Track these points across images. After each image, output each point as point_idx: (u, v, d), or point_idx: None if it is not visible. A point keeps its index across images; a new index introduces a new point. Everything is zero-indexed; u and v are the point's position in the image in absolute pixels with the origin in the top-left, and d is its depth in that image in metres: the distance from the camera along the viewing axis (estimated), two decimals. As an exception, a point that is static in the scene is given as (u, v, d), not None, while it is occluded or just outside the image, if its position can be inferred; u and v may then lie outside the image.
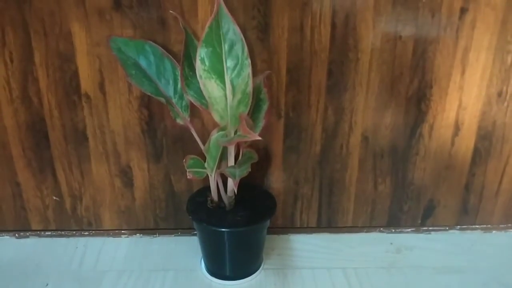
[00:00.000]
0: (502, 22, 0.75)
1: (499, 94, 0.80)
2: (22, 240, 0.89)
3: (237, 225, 0.71)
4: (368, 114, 0.81)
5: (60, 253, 0.85)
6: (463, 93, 0.80)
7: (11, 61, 0.75)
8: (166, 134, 0.81)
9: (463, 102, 0.80)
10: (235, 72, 0.63)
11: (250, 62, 0.63)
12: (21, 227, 0.89)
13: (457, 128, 0.82)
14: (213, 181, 0.72)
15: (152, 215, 0.88)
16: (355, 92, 0.79)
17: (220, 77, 0.64)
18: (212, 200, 0.75)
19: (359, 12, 0.74)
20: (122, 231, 0.89)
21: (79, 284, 0.77)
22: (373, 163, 0.85)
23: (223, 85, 0.64)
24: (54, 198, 0.86)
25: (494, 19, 0.75)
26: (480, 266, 0.83)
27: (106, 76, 0.76)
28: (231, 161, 0.70)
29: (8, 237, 0.89)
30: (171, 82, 0.70)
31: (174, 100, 0.70)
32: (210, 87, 0.64)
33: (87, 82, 0.77)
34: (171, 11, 0.72)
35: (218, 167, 0.72)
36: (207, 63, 0.63)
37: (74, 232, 0.89)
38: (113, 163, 0.83)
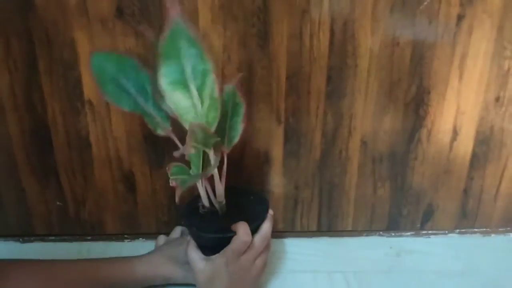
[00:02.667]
0: (499, 28, 0.76)
1: (497, 99, 0.81)
2: (26, 245, 0.90)
3: (227, 231, 0.70)
4: (367, 119, 0.82)
5: (63, 257, 0.86)
6: (461, 99, 0.81)
7: (16, 69, 0.76)
8: (167, 140, 0.81)
9: (460, 107, 0.81)
10: (199, 80, 0.62)
11: (212, 66, 0.62)
12: (25, 231, 0.90)
13: (455, 133, 0.83)
14: (201, 186, 0.72)
15: (154, 219, 0.89)
16: (354, 98, 0.80)
17: (185, 87, 0.62)
18: (203, 206, 0.75)
19: (357, 19, 0.75)
20: (125, 236, 0.91)
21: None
22: (372, 168, 0.86)
23: (189, 94, 0.62)
24: (58, 203, 0.87)
25: (491, 25, 0.76)
26: (479, 270, 0.84)
27: (109, 83, 0.77)
28: (212, 168, 0.70)
29: (13, 241, 0.90)
30: (149, 94, 0.70)
31: (153, 112, 0.69)
32: (176, 98, 0.62)
33: (90, 89, 0.78)
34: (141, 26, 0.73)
35: (204, 171, 0.72)
36: (169, 76, 0.61)
37: (77, 237, 0.90)
38: (116, 169, 0.84)
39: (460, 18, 0.75)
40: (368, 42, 0.76)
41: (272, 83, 0.79)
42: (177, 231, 0.84)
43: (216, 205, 0.75)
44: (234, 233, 0.69)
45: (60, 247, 0.89)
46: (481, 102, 0.81)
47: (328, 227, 0.92)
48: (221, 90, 0.67)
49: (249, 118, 0.75)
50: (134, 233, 0.90)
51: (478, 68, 0.79)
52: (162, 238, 0.82)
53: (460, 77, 0.79)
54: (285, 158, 0.85)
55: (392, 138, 0.84)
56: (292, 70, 0.78)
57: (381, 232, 0.92)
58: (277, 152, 0.84)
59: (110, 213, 0.88)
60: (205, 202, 0.75)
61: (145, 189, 0.86)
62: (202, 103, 0.64)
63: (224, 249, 0.69)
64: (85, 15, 0.73)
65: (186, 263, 0.72)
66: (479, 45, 0.77)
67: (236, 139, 0.73)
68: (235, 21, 0.74)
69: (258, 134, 0.82)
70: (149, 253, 0.78)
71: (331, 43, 0.76)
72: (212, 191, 0.74)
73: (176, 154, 0.60)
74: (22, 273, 0.67)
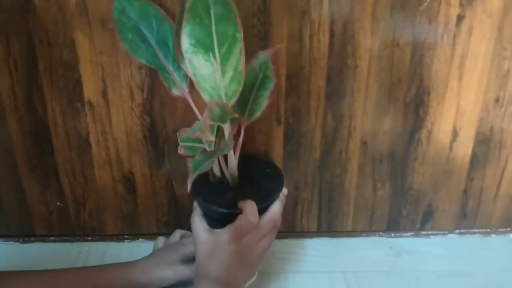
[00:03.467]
0: (499, 29, 0.76)
1: (496, 100, 0.81)
2: (27, 245, 0.90)
3: (234, 207, 0.65)
4: (367, 120, 0.82)
5: (64, 257, 0.86)
6: (461, 99, 0.81)
7: (16, 69, 0.76)
8: (167, 141, 0.82)
9: (460, 108, 0.81)
10: (225, 47, 0.55)
11: (242, 36, 0.56)
12: (25, 232, 0.90)
13: (455, 133, 0.83)
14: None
15: (154, 220, 0.89)
16: (354, 99, 0.80)
17: (208, 52, 0.55)
18: (214, 174, 0.71)
19: (357, 20, 0.75)
20: (125, 236, 0.91)
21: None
22: (372, 168, 0.86)
23: (211, 60, 0.56)
24: (58, 204, 0.87)
25: (491, 26, 0.76)
26: (479, 270, 0.84)
27: (109, 84, 0.77)
28: (228, 148, 0.65)
29: (13, 242, 0.90)
30: (171, 48, 0.64)
31: (172, 69, 0.64)
32: (197, 63, 0.56)
33: (90, 90, 0.78)
34: None
35: (217, 142, 0.67)
36: (193, 36, 0.54)
37: (77, 238, 0.90)
38: (116, 169, 0.84)
39: (460, 18, 0.75)
40: (368, 42, 0.76)
41: (272, 83, 0.78)
42: (176, 235, 0.83)
43: (228, 176, 0.71)
44: (241, 210, 0.66)
45: (60, 247, 0.89)
46: (481, 103, 0.81)
47: (328, 227, 0.92)
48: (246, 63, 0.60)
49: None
50: (134, 234, 0.90)
51: (478, 68, 0.79)
52: (161, 240, 0.82)
53: (460, 78, 0.79)
54: (285, 159, 0.85)
55: (392, 139, 0.84)
56: (292, 70, 0.78)
57: (381, 233, 0.92)
58: (277, 152, 0.84)
59: (110, 214, 0.89)
60: (216, 171, 0.72)
61: (145, 190, 0.86)
62: (224, 73, 0.58)
63: (229, 225, 0.65)
64: (85, 16, 0.73)
65: (180, 263, 0.74)
66: (479, 45, 0.77)
67: (258, 114, 0.69)
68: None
69: (258, 134, 0.82)
70: (144, 258, 0.77)
71: (331, 43, 0.76)
72: (224, 160, 0.71)
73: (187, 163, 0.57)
74: (16, 284, 0.68)
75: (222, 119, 0.60)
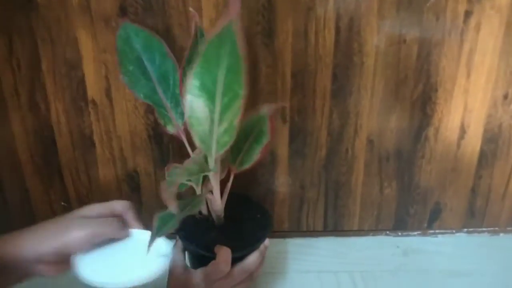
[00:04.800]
0: (507, 25, 0.75)
1: (505, 97, 0.80)
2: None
3: (211, 249, 0.65)
4: (373, 117, 0.81)
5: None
6: (469, 96, 0.80)
7: (19, 68, 0.76)
8: (172, 140, 0.81)
9: (468, 105, 0.80)
10: (227, 99, 0.56)
11: (244, 94, 0.56)
12: (29, 232, 0.90)
13: (463, 131, 0.82)
14: (200, 193, 0.68)
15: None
16: (360, 96, 0.79)
17: (210, 99, 0.56)
18: (200, 212, 0.71)
19: (363, 16, 0.74)
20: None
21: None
22: (378, 167, 0.85)
23: (212, 107, 0.56)
24: (62, 203, 0.87)
25: (499, 22, 0.75)
26: (487, 269, 0.83)
27: (113, 83, 0.77)
28: (213, 185, 0.65)
29: (17, 242, 0.90)
30: (170, 85, 0.65)
31: (170, 106, 0.64)
32: (197, 105, 0.56)
33: (93, 89, 0.77)
34: (190, 9, 0.70)
35: (204, 182, 0.67)
36: (200, 80, 0.55)
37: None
38: (120, 168, 0.84)
39: (467, 14, 0.74)
40: (374, 39, 0.75)
41: (277, 81, 0.78)
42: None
43: (213, 215, 0.71)
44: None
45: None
46: (489, 100, 0.80)
47: (334, 226, 0.91)
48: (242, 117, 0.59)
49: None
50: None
51: (486, 65, 0.77)
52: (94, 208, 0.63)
53: (468, 75, 0.78)
54: (291, 157, 0.84)
55: (399, 137, 0.83)
56: (297, 68, 0.77)
57: (387, 232, 0.91)
58: (282, 151, 0.83)
59: (114, 213, 0.88)
60: (203, 209, 0.72)
61: (150, 189, 0.86)
62: (220, 123, 0.58)
63: (201, 268, 0.65)
64: (88, 14, 0.73)
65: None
66: (487, 42, 0.76)
67: (248, 166, 0.69)
68: (240, 19, 0.73)
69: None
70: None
71: (337, 40, 0.75)
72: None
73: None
74: None
75: (198, 175, 0.62)
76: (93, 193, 0.86)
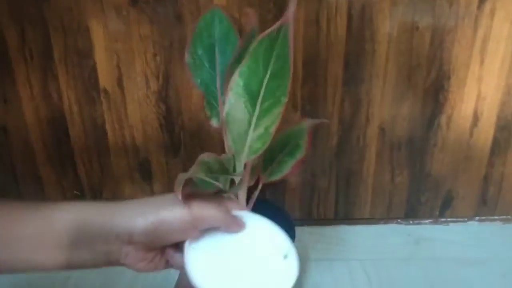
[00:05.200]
0: (522, 11, 0.74)
1: (519, 84, 0.79)
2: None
3: None
4: (385, 105, 0.81)
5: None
6: (482, 84, 0.79)
7: (31, 58, 0.76)
8: (183, 129, 0.81)
9: (482, 92, 0.80)
10: (267, 104, 0.54)
11: (286, 100, 0.54)
12: (43, 220, 0.90)
13: (476, 118, 0.82)
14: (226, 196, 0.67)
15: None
16: (372, 84, 0.79)
17: (251, 100, 0.54)
18: None
19: (375, 3, 0.73)
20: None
21: (102, 276, 0.79)
22: (390, 155, 0.85)
23: (252, 110, 0.54)
24: (75, 192, 0.87)
25: (514, 7, 0.74)
26: (499, 258, 0.83)
27: (124, 72, 0.77)
28: (242, 190, 0.63)
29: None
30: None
31: (223, 100, 0.61)
32: (236, 105, 0.54)
33: (105, 78, 0.78)
34: (247, 9, 0.68)
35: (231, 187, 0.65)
36: (245, 79, 0.53)
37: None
38: (132, 157, 0.84)
39: (482, 0, 0.73)
40: (387, 26, 0.75)
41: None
42: None
43: None
44: None
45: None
46: (503, 87, 0.79)
47: (345, 215, 0.91)
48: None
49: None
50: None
51: (500, 52, 0.76)
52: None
53: (482, 62, 0.77)
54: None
55: (411, 125, 0.82)
56: (308, 56, 0.76)
57: (399, 220, 0.91)
58: (293, 139, 0.83)
59: (126, 202, 0.89)
60: None
61: (161, 178, 0.86)
62: (256, 127, 0.56)
63: None
64: (99, 3, 0.73)
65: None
66: (502, 28, 0.75)
67: (277, 177, 0.68)
68: (251, 7, 0.73)
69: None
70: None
71: (349, 28, 0.75)
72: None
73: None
74: None
75: (219, 175, 0.56)
76: (105, 182, 0.86)
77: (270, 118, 0.56)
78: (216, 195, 0.51)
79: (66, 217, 0.45)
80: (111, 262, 0.45)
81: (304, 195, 0.89)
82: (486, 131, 0.83)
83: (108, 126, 0.81)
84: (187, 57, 0.63)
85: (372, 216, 0.91)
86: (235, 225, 0.48)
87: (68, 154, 0.84)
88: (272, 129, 0.57)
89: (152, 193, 0.88)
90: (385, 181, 0.88)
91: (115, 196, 0.88)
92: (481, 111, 0.81)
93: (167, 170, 0.85)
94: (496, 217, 0.91)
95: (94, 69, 0.77)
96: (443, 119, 0.82)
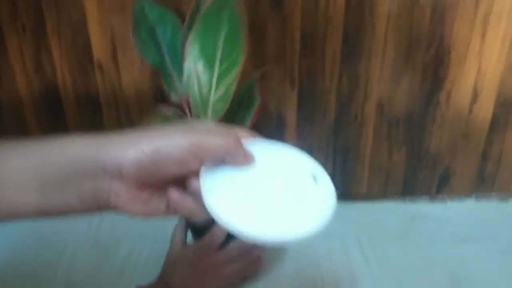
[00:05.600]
0: (525, -15, 0.72)
1: (520, 60, 0.78)
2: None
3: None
4: (384, 81, 0.79)
5: (77, 219, 0.86)
6: (483, 59, 0.78)
7: (24, 31, 0.75)
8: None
9: (482, 68, 0.78)
10: (225, 65, 0.57)
11: (242, 60, 0.56)
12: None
13: (475, 95, 0.81)
14: None
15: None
16: (371, 60, 0.78)
17: (209, 63, 0.57)
18: None
19: (375, -24, 0.72)
20: (138, 200, 0.90)
21: (97, 249, 0.79)
22: (388, 132, 0.84)
23: (210, 72, 0.57)
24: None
25: (517, -19, 0.72)
26: (496, 235, 0.83)
27: (118, 45, 0.76)
28: None
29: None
30: (179, 57, 0.65)
31: (176, 76, 0.64)
32: (194, 69, 0.57)
33: (99, 51, 0.76)
34: None
35: None
36: (200, 43, 0.55)
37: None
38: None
39: (484, -27, 0.71)
40: (386, 1, 0.73)
41: (286, 44, 0.76)
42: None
43: None
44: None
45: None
46: (504, 63, 0.78)
47: (342, 191, 0.90)
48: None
49: (262, 88, 0.71)
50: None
51: (502, 27, 0.75)
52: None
53: (483, 37, 0.76)
54: (299, 122, 0.83)
55: (410, 101, 0.81)
56: (306, 31, 0.75)
57: (396, 197, 0.91)
58: (290, 115, 0.82)
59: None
60: None
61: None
62: (217, 89, 0.59)
63: (196, 241, 0.66)
64: (92, -26, 0.71)
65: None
66: (504, 2, 0.73)
67: None
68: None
69: (271, 97, 0.80)
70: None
71: (347, 2, 0.73)
72: None
73: None
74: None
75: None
76: (100, 157, 0.86)
77: (229, 79, 0.59)
78: (224, 125, 0.43)
79: (48, 153, 0.40)
80: (101, 204, 0.40)
81: (300, 172, 0.88)
82: (486, 108, 0.82)
83: (102, 100, 0.80)
84: (134, 42, 0.65)
85: (369, 193, 0.91)
86: (243, 157, 0.41)
87: (62, 128, 0.83)
88: (232, 90, 0.60)
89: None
90: (382, 158, 0.87)
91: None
92: (481, 88, 0.80)
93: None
94: (493, 195, 0.91)
95: (87, 42, 0.76)
96: (442, 95, 0.80)
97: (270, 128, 0.83)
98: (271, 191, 0.40)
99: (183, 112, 0.61)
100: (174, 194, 0.40)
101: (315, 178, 0.43)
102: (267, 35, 0.75)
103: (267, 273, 0.70)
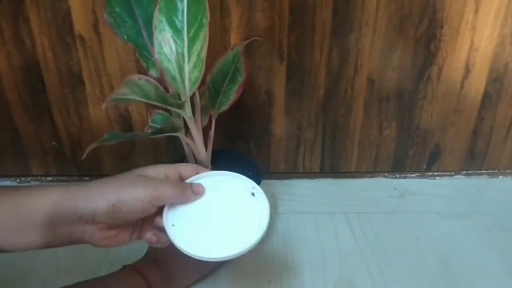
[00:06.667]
0: (521, -45, 0.70)
1: (514, 34, 0.76)
2: (23, 185, 0.88)
3: None
4: (375, 56, 0.77)
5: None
6: (475, 33, 0.76)
7: (0, 0, 0.72)
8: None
9: (475, 43, 0.77)
10: (193, 31, 0.56)
11: (208, 21, 0.56)
12: (22, 172, 0.88)
13: (467, 70, 0.79)
14: (185, 145, 0.67)
15: (152, 160, 0.87)
16: (361, 33, 0.75)
17: (177, 33, 0.56)
18: (187, 161, 0.70)
19: None
20: (123, 176, 0.89)
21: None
22: (378, 107, 0.83)
23: (180, 41, 0.56)
24: (53, 143, 0.85)
25: (513, -48, 0.70)
26: (484, 211, 0.83)
27: (100, 17, 0.73)
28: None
29: (9, 182, 0.89)
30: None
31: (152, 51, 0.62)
32: (164, 41, 0.56)
33: (80, 23, 0.73)
34: None
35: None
36: (165, 15, 0.55)
37: (75, 177, 0.89)
38: (111, 108, 0.81)
39: None
40: (378, -29, 0.71)
41: (274, 16, 0.74)
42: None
43: None
44: None
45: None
46: (497, 37, 0.76)
47: (331, 168, 0.90)
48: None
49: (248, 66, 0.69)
50: (132, 174, 0.88)
51: (495, 1, 0.73)
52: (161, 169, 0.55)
53: (476, 10, 0.74)
54: (288, 97, 0.81)
55: (401, 76, 0.79)
56: (295, 2, 0.73)
57: (385, 174, 0.90)
58: (279, 90, 0.80)
59: (107, 154, 0.86)
60: (191, 161, 0.70)
61: (142, 129, 0.83)
62: (189, 57, 0.58)
63: None
64: None
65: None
66: (499, -26, 0.71)
67: (225, 107, 0.69)
68: None
69: (259, 71, 0.78)
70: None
71: (338, -28, 0.71)
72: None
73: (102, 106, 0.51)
74: None
75: (164, 101, 0.58)
76: (84, 133, 0.84)
77: (199, 43, 0.58)
78: (174, 165, 0.56)
79: (33, 202, 0.48)
80: (75, 241, 0.49)
81: (289, 148, 0.87)
82: (477, 84, 0.81)
83: (85, 75, 0.78)
84: (107, 17, 0.63)
85: (358, 170, 0.90)
86: (192, 195, 0.53)
87: (44, 103, 0.80)
88: (203, 53, 0.58)
89: (133, 144, 0.85)
90: (372, 134, 0.86)
91: (95, 148, 0.85)
92: (473, 63, 0.78)
93: (148, 121, 0.82)
94: (483, 171, 0.91)
95: (68, 14, 0.72)
96: (433, 70, 0.79)
97: (257, 103, 0.81)
98: (219, 216, 0.52)
99: (165, 88, 0.59)
100: (152, 237, 0.52)
101: (253, 194, 0.54)
102: (255, 7, 0.72)
103: (255, 249, 0.69)
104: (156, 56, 0.58)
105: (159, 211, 0.51)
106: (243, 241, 0.50)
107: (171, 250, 0.61)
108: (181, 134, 0.65)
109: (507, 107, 0.83)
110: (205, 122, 0.69)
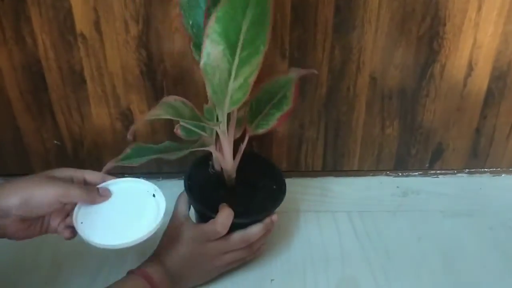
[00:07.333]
0: (524, -48, 0.70)
1: (517, 32, 0.76)
2: (26, 184, 0.88)
3: (214, 208, 0.64)
4: (377, 53, 0.77)
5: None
6: (479, 31, 0.75)
7: (2, -1, 0.71)
8: (166, 76, 0.78)
9: (478, 40, 0.76)
10: (246, 53, 0.52)
11: (265, 49, 0.53)
12: (24, 171, 0.88)
13: (470, 68, 0.79)
14: (214, 150, 0.65)
15: (155, 158, 0.87)
16: (364, 31, 0.75)
17: (230, 49, 0.52)
18: (213, 166, 0.69)
19: None
20: (125, 175, 0.88)
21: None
22: (381, 105, 0.82)
23: (231, 59, 0.52)
24: (55, 142, 0.85)
25: (516, -52, 0.69)
26: (487, 210, 0.82)
27: (102, 15, 0.72)
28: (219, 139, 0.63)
29: (11, 180, 0.89)
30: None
31: None
32: (214, 53, 0.52)
33: (82, 21, 0.73)
34: None
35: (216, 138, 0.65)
36: (222, 25, 0.50)
37: (77, 176, 0.89)
38: (113, 106, 0.81)
39: None
40: (381, -32, 0.71)
41: (276, 13, 0.73)
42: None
43: (225, 174, 0.69)
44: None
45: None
46: (500, 35, 0.76)
47: (333, 166, 0.89)
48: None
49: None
50: (134, 172, 0.88)
51: (499, -2, 0.73)
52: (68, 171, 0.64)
53: (479, 8, 0.73)
54: (290, 95, 0.81)
55: (403, 74, 0.79)
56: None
57: (388, 172, 0.90)
58: (281, 88, 0.80)
59: (108, 152, 0.86)
60: (216, 165, 0.70)
61: (144, 128, 0.83)
62: (235, 77, 0.54)
63: (199, 224, 0.65)
64: None
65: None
66: (502, -29, 0.71)
67: (264, 130, 0.67)
68: None
69: (261, 69, 0.78)
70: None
71: (340, -30, 0.71)
72: (223, 156, 0.67)
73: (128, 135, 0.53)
74: None
75: (196, 125, 0.60)
76: (86, 132, 0.83)
77: (250, 68, 0.54)
78: (81, 170, 0.65)
79: None
80: None
81: (292, 147, 0.87)
82: (480, 82, 0.80)
83: (86, 73, 0.77)
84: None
85: (360, 168, 0.90)
86: (99, 197, 0.61)
87: (46, 102, 0.80)
88: (252, 80, 0.56)
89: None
90: (374, 133, 0.85)
91: (97, 146, 0.85)
92: (476, 60, 0.78)
93: (150, 120, 0.82)
94: (486, 169, 0.90)
95: (69, 12, 0.72)
96: (436, 68, 0.79)
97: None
98: (121, 213, 0.60)
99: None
100: (67, 233, 0.61)
101: (154, 195, 0.63)
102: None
103: (257, 248, 0.69)
104: (201, 65, 0.54)
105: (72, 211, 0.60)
106: (141, 230, 0.57)
107: (182, 256, 0.63)
108: (212, 148, 0.65)
109: (510, 105, 0.83)
110: (238, 134, 0.67)
